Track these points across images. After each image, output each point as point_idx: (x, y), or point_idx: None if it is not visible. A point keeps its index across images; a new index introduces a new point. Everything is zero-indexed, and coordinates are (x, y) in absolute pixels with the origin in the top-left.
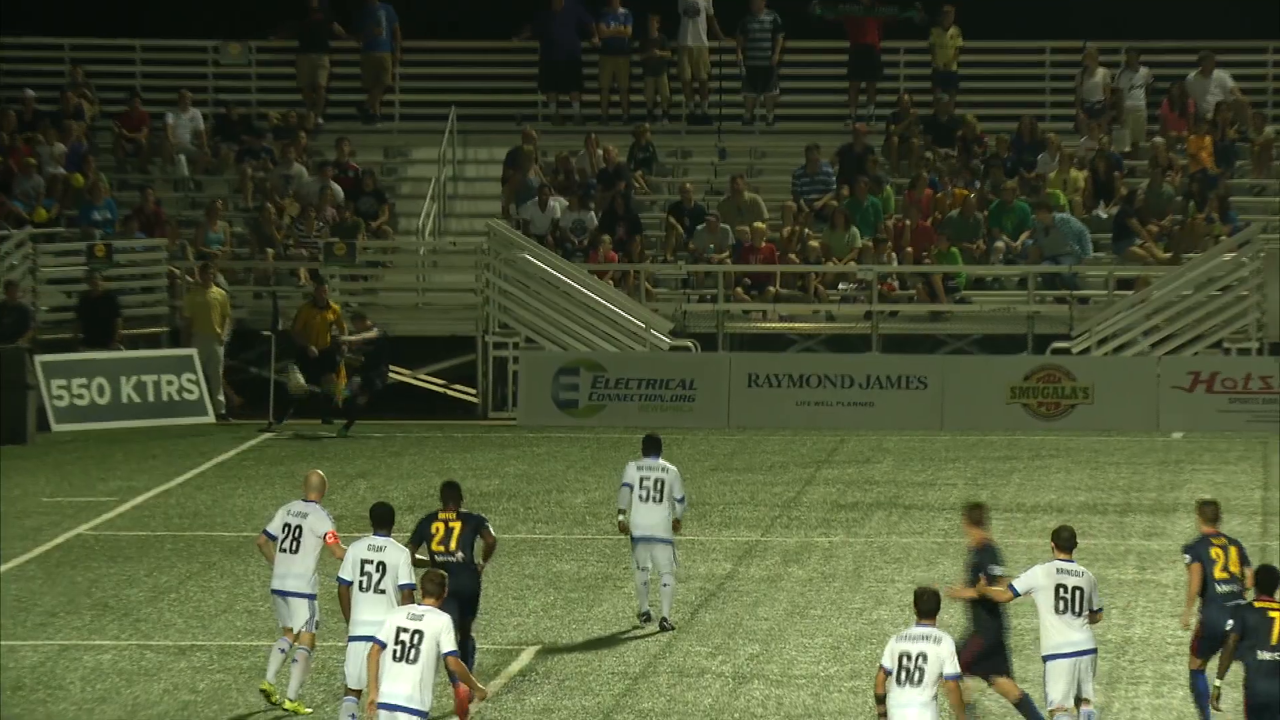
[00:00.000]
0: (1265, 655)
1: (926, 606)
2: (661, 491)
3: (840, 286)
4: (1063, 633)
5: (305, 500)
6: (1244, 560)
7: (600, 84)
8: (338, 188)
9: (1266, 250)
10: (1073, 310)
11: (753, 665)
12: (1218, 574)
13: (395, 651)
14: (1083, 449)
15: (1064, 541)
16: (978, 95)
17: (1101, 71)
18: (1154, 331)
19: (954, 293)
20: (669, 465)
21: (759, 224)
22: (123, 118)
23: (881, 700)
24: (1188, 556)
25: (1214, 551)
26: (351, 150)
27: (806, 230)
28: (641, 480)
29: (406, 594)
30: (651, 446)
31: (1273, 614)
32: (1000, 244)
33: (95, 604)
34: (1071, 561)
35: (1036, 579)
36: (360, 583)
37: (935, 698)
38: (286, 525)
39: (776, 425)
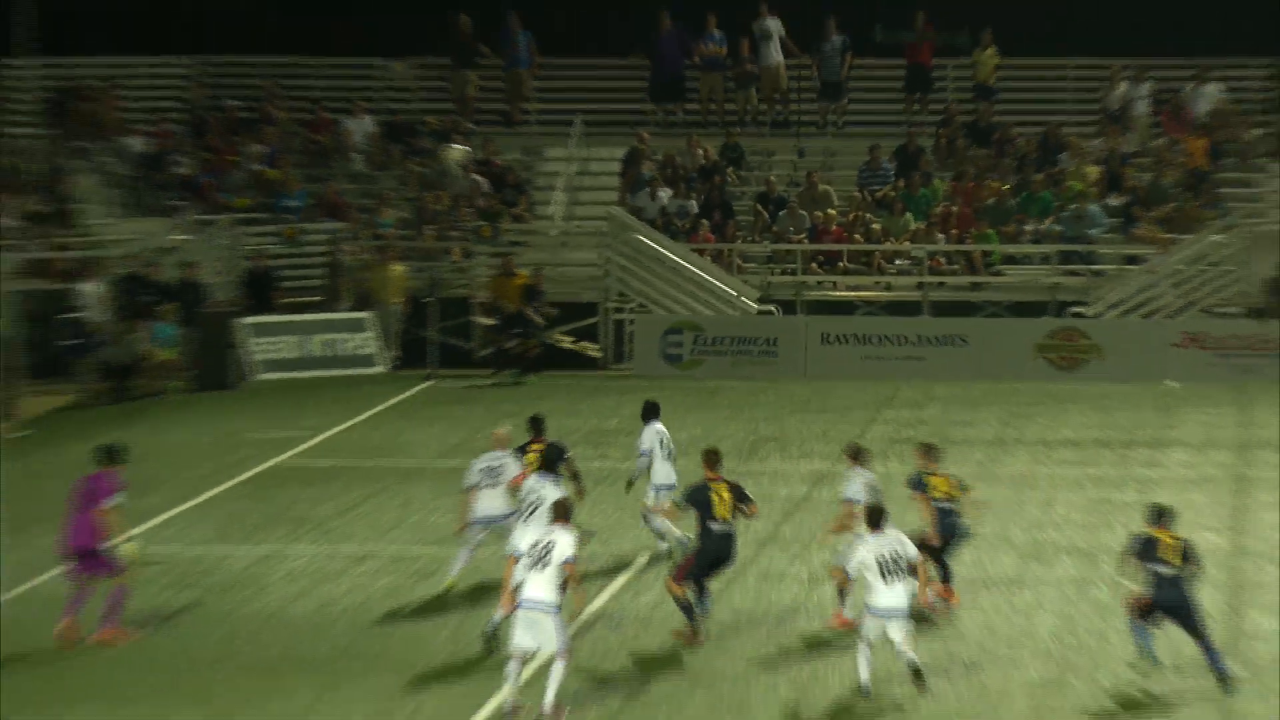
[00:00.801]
0: (1162, 570)
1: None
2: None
3: (896, 262)
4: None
5: (497, 451)
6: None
7: (700, 95)
8: (483, 180)
9: (1248, 233)
10: (1088, 281)
11: (824, 570)
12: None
13: (530, 562)
14: (1094, 395)
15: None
16: (1011, 104)
17: (1124, 85)
18: (1154, 299)
19: (990, 267)
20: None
21: (830, 210)
22: (309, 123)
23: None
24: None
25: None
26: (496, 150)
27: (869, 216)
28: (662, 442)
29: (569, 569)
30: (652, 412)
31: (1161, 537)
32: (1029, 227)
33: (292, 519)
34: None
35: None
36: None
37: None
38: (486, 468)
39: (844, 376)
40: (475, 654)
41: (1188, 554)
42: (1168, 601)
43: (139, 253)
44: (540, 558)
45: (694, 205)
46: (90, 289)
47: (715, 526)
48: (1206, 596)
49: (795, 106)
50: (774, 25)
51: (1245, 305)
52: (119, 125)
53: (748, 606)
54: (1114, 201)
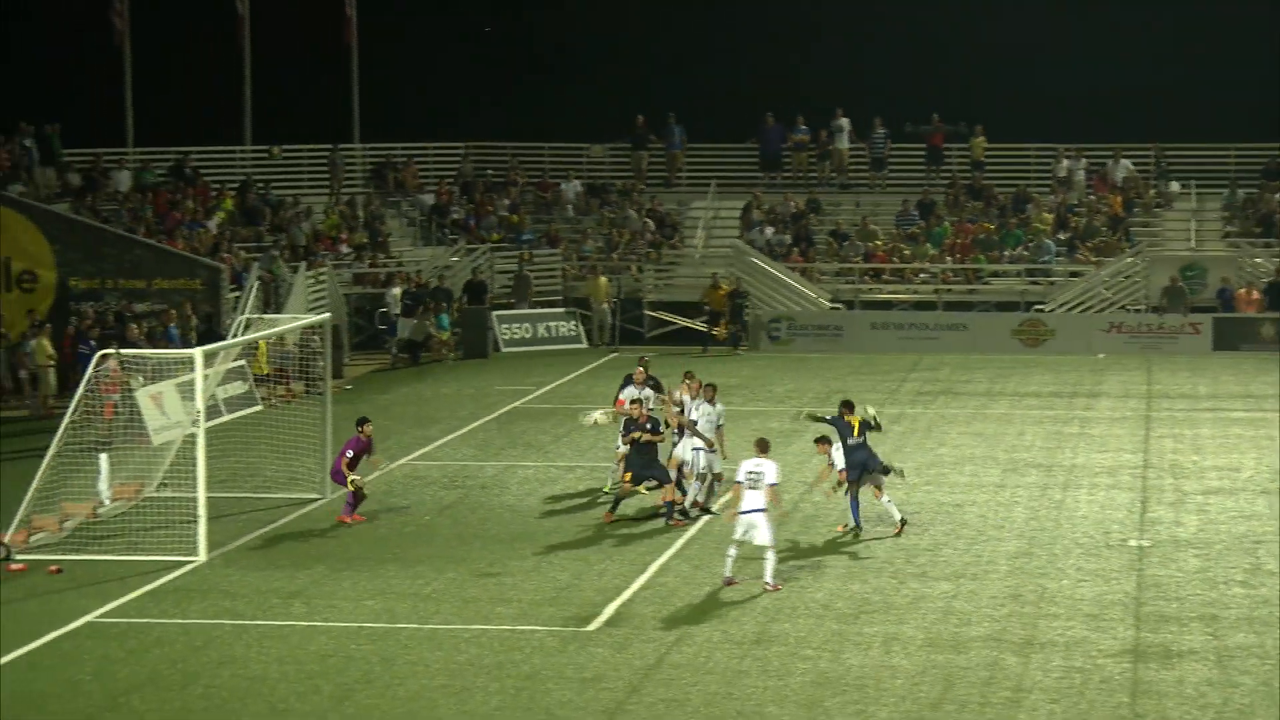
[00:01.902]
0: (851, 441)
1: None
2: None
3: (920, 275)
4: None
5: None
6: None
7: (792, 166)
8: (651, 222)
9: (1149, 257)
10: (1045, 289)
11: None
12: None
13: (748, 482)
14: (1050, 363)
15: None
16: (994, 173)
17: (1066, 160)
18: (1089, 300)
19: (981, 278)
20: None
21: (877, 242)
22: (538, 185)
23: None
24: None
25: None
26: (659, 202)
27: (902, 245)
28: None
29: (772, 490)
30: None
31: (849, 418)
32: (1007, 253)
33: (524, 443)
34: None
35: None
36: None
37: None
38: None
39: (885, 350)
40: (642, 530)
41: (863, 428)
42: (855, 460)
43: (429, 269)
44: (755, 481)
45: (788, 238)
46: (395, 293)
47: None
48: (1124, 500)
49: (854, 174)
50: (844, 122)
51: (1149, 305)
52: (416, 186)
53: (819, 502)
54: (1062, 236)
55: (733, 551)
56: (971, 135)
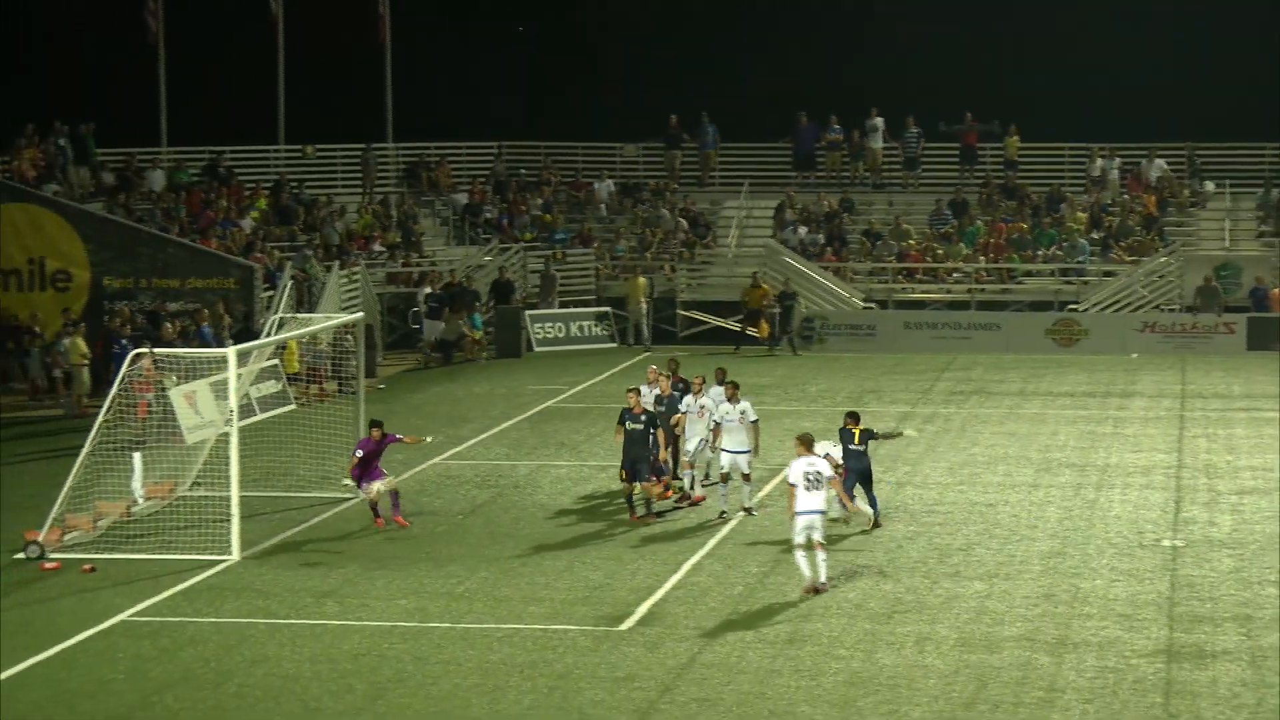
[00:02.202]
0: (852, 447)
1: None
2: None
3: (953, 275)
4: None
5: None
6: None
7: (825, 166)
8: (684, 221)
9: (1183, 257)
10: (1079, 288)
11: (905, 476)
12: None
13: (805, 483)
14: (1083, 363)
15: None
16: (1028, 172)
17: (1101, 160)
18: (1123, 300)
19: (1015, 278)
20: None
21: (910, 241)
22: (571, 184)
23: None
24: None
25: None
26: (692, 201)
27: (935, 245)
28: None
29: (834, 481)
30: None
31: (851, 428)
32: (1040, 253)
33: (556, 442)
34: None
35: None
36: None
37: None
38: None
39: (919, 350)
40: (675, 529)
41: (864, 437)
42: (856, 467)
43: (461, 269)
44: (814, 481)
45: (821, 238)
46: (427, 292)
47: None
48: (1157, 500)
49: (887, 174)
50: (878, 121)
51: (1182, 304)
52: (449, 185)
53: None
54: (1096, 236)
55: (802, 556)
56: (1005, 134)
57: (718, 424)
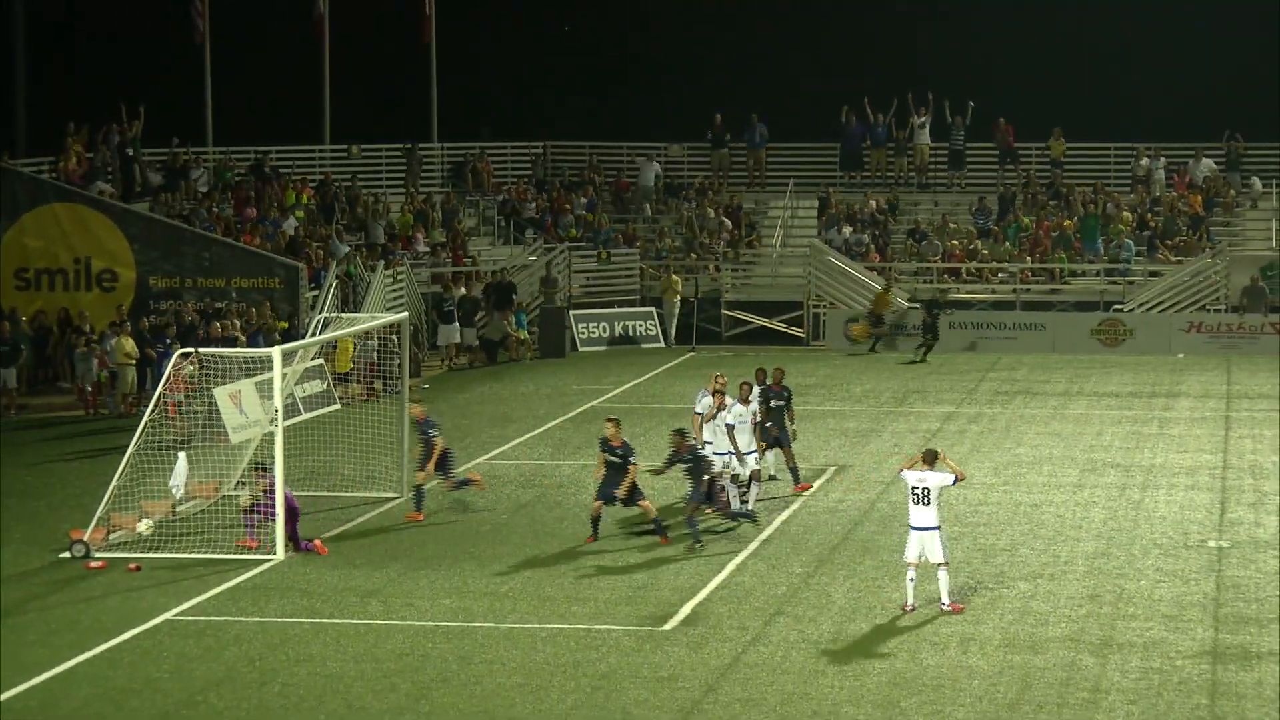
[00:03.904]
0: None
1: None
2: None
3: (998, 275)
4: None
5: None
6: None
7: (870, 165)
8: (728, 220)
9: (1229, 257)
10: (1125, 288)
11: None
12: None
13: (915, 497)
14: (1129, 363)
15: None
16: (1073, 172)
17: (1146, 159)
18: (1169, 300)
19: (1061, 277)
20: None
21: (955, 240)
22: (616, 183)
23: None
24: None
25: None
26: (738, 201)
27: (980, 244)
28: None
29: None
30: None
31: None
32: (1086, 252)
33: (593, 439)
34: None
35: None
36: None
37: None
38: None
39: (964, 348)
40: (719, 530)
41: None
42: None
43: (507, 268)
44: (923, 495)
45: (866, 237)
46: (476, 291)
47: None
48: (1203, 501)
49: (933, 173)
50: (924, 120)
51: (1228, 304)
52: (493, 184)
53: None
54: (1141, 235)
55: (912, 575)
56: (1050, 136)
57: (730, 426)
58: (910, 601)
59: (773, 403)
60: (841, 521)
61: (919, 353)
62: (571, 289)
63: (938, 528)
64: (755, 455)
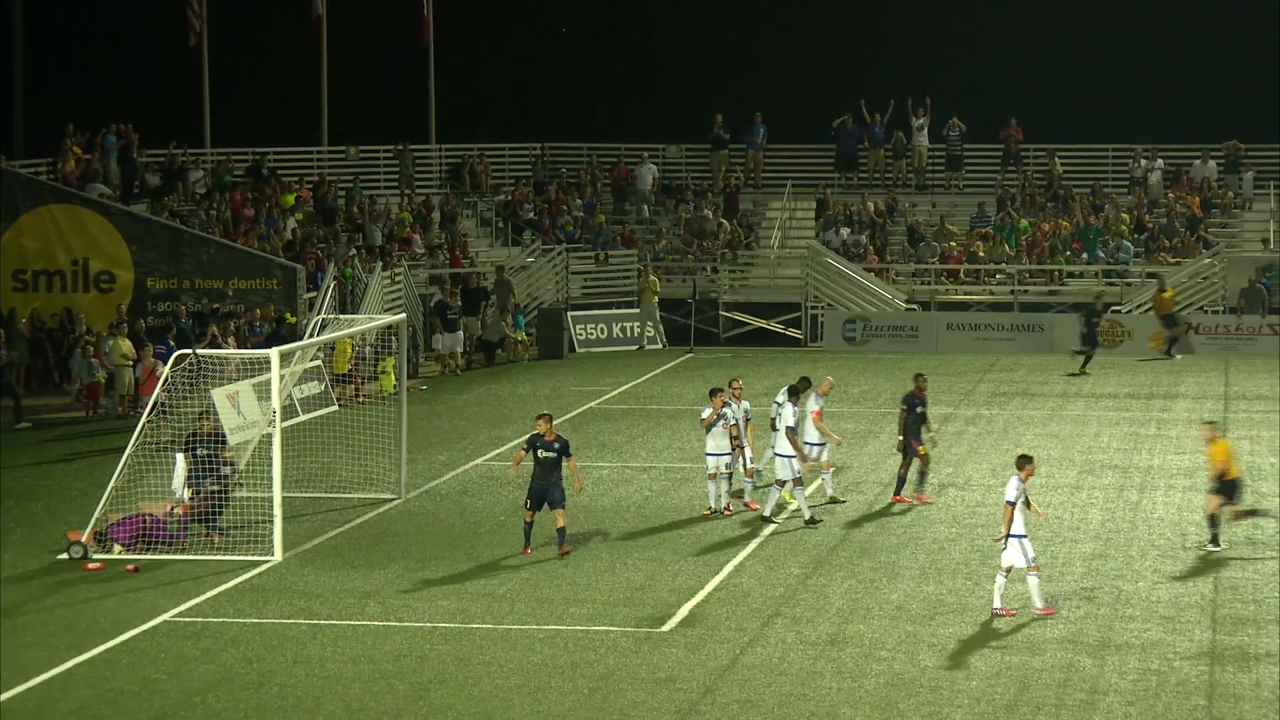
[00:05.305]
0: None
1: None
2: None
3: (996, 276)
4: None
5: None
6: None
7: (868, 167)
8: (726, 223)
9: (1227, 258)
10: (1122, 290)
11: (947, 478)
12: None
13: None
14: (1126, 364)
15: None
16: (1072, 173)
17: (1144, 161)
18: None
19: (1059, 279)
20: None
21: (953, 242)
22: (615, 170)
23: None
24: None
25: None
26: (736, 203)
27: (978, 245)
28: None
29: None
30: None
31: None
32: (1085, 255)
33: (598, 443)
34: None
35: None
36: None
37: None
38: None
39: (961, 351)
40: (717, 531)
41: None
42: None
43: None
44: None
45: (864, 239)
46: (474, 292)
47: None
48: (1200, 502)
49: (931, 174)
50: (922, 121)
51: (1225, 306)
52: (490, 185)
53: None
54: (1139, 237)
55: (1001, 579)
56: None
57: (735, 424)
58: (999, 606)
59: (918, 409)
60: (839, 522)
61: (1079, 363)
62: (569, 292)
63: (1025, 536)
64: (749, 451)
